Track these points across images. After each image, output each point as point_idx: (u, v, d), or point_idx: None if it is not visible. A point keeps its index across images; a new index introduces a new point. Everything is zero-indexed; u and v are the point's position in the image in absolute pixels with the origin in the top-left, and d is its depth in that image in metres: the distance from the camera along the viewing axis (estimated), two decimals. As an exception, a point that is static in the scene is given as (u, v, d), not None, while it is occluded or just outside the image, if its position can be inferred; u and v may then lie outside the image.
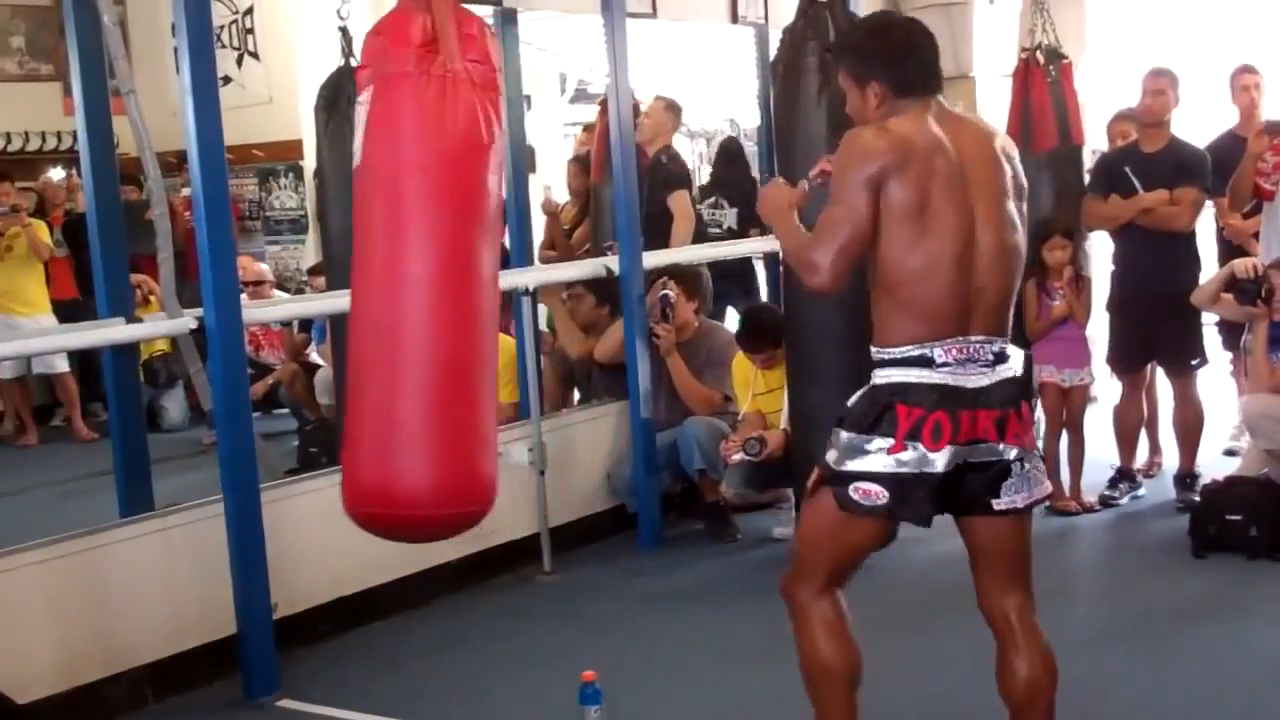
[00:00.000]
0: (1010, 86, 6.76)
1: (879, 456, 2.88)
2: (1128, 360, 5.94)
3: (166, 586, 4.26)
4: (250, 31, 9.91)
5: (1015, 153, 3.11)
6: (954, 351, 2.89)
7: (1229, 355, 6.31)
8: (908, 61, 3.01)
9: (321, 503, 4.75)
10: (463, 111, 3.03)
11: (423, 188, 3.06)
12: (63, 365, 8.02)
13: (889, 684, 4.13)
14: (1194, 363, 5.83)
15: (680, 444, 5.70)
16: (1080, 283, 5.86)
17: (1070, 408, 5.86)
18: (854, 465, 2.90)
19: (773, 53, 5.42)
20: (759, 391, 5.67)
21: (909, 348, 2.89)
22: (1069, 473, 5.88)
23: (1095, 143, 7.14)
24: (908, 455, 2.86)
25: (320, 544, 4.67)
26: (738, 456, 5.41)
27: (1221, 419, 6.39)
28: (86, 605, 4.10)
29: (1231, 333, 5.97)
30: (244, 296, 7.37)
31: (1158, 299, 5.71)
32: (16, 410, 8.27)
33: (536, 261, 6.27)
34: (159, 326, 4.48)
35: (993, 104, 7.37)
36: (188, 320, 4.22)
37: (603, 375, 6.11)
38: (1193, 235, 5.82)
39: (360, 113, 3.11)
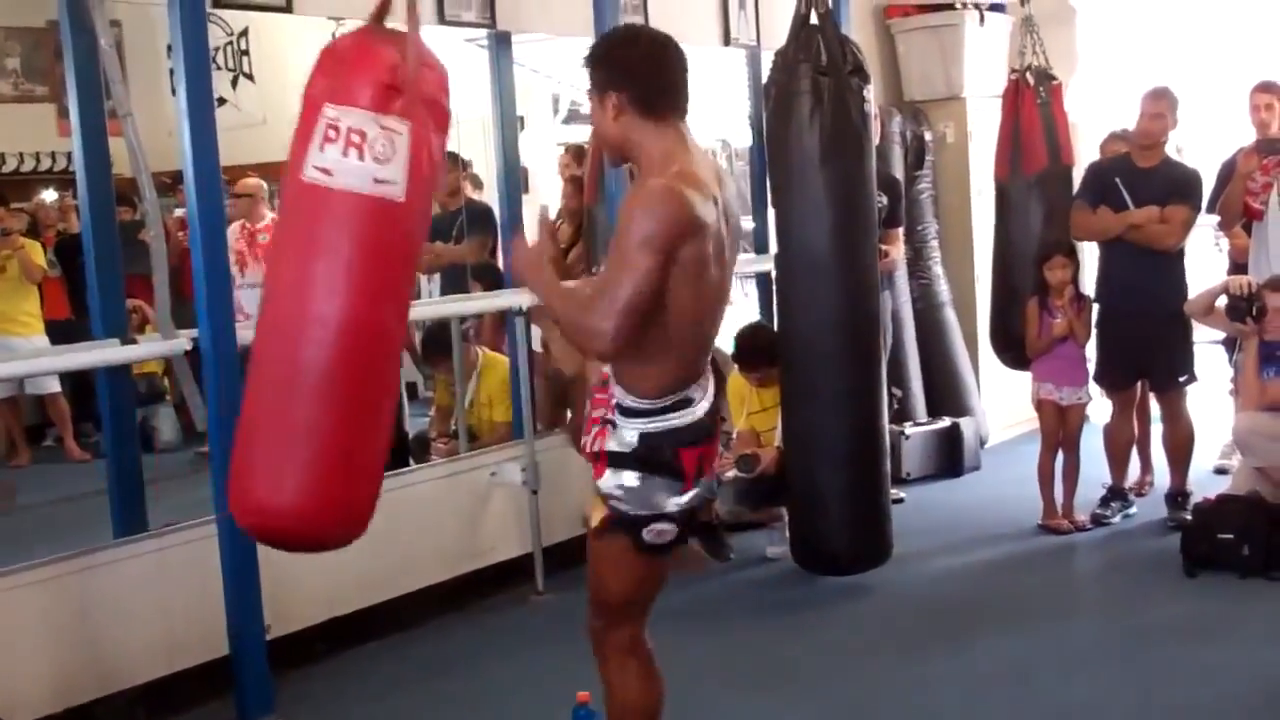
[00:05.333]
0: (1000, 107, 6.80)
1: (671, 498, 2.93)
2: (1116, 378, 5.96)
3: (160, 607, 4.26)
4: (245, 53, 9.92)
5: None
6: (699, 390, 2.95)
7: (1231, 373, 6.31)
8: (655, 76, 2.90)
9: (315, 523, 4.76)
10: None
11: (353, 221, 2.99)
12: (54, 385, 8.01)
13: (880, 703, 4.15)
14: (1182, 380, 5.85)
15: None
16: (1081, 302, 5.89)
17: (1067, 427, 5.88)
18: (646, 511, 2.93)
19: (765, 75, 5.45)
20: (753, 410, 5.68)
21: (675, 395, 2.91)
22: (1062, 491, 5.90)
23: (1085, 164, 7.17)
24: (697, 490, 2.95)
25: (314, 565, 4.63)
26: (731, 474, 5.43)
27: (1213, 437, 6.41)
28: (80, 626, 4.09)
29: (1235, 350, 5.98)
30: (235, 226, 7.45)
31: (1145, 317, 5.73)
32: (8, 430, 8.26)
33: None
34: (154, 348, 4.48)
35: (983, 125, 7.41)
36: (183, 341, 4.23)
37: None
38: (1181, 253, 5.84)
39: (320, 126, 3.03)
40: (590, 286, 2.88)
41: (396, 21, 3.05)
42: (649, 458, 2.91)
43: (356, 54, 3.04)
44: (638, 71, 2.90)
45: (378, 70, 2.98)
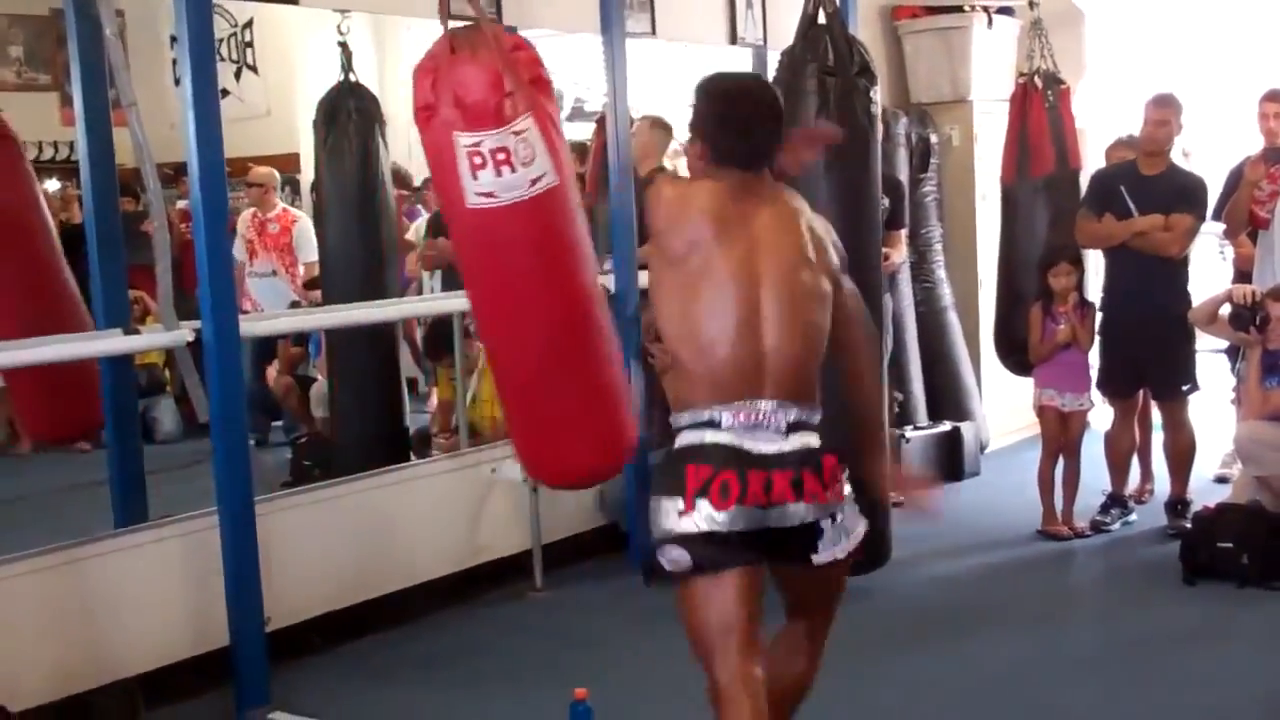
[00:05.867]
0: (1008, 111, 6.79)
1: (674, 519, 2.81)
2: (1118, 385, 5.96)
3: (160, 598, 4.26)
4: (249, 45, 9.92)
5: (829, 232, 3.04)
6: (740, 416, 2.83)
7: (1233, 382, 6.31)
8: (730, 136, 2.97)
9: (315, 516, 4.77)
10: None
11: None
12: (56, 375, 8.01)
13: (876, 706, 4.15)
14: (1184, 388, 5.84)
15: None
16: (1085, 308, 5.88)
17: (1068, 433, 5.88)
18: (659, 535, 2.85)
19: (771, 74, 5.44)
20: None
21: (698, 411, 2.86)
22: (1062, 497, 5.90)
23: (1093, 168, 7.17)
24: (698, 516, 2.79)
25: (313, 558, 4.67)
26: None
27: (1214, 445, 6.40)
28: (79, 615, 4.09)
29: (1237, 358, 5.98)
30: (246, 215, 7.46)
31: (1147, 324, 5.73)
32: (10, 418, 8.26)
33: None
34: (156, 339, 4.48)
35: (990, 129, 7.40)
36: (184, 332, 4.23)
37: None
38: (1185, 261, 5.84)
39: (461, 156, 3.32)
40: None
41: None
42: (661, 476, 2.90)
43: (459, 74, 3.26)
44: (723, 129, 2.98)
45: (486, 85, 3.21)
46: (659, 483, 2.90)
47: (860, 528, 3.03)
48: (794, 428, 2.86)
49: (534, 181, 3.33)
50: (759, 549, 2.84)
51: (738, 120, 2.99)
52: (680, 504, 2.81)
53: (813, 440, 2.88)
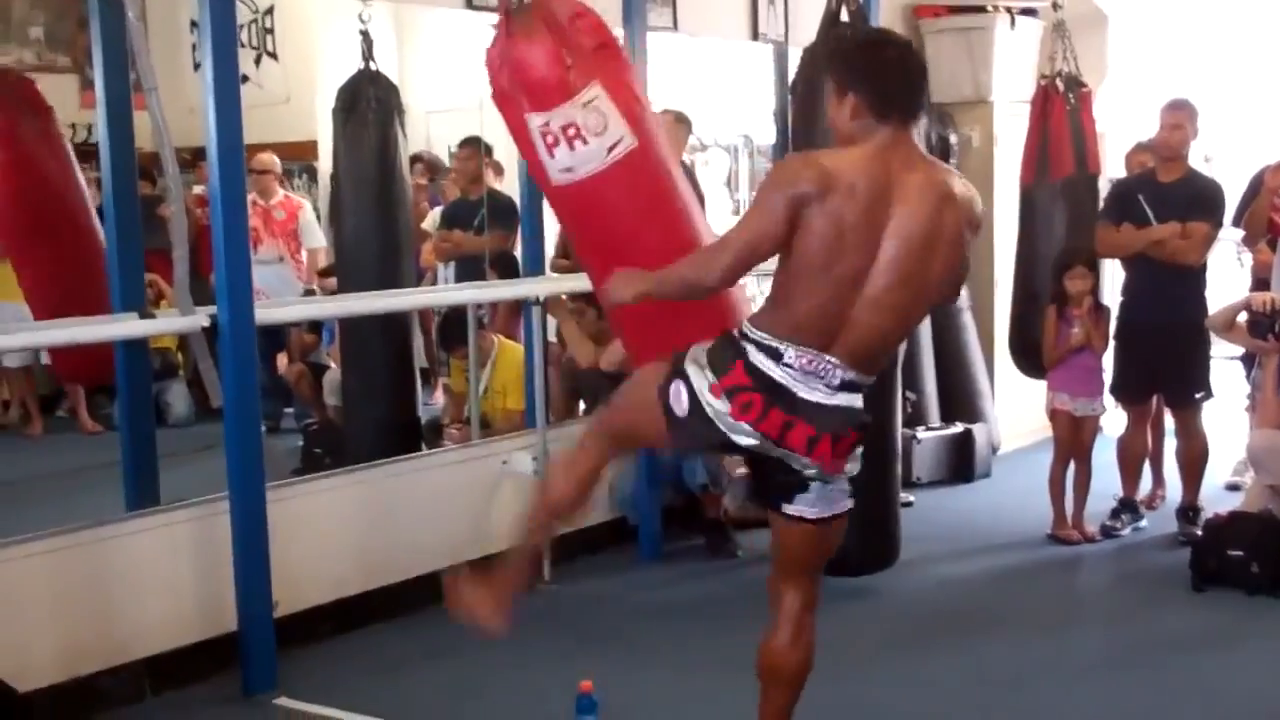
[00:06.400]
0: (1028, 113, 6.77)
1: (703, 383, 2.95)
2: (1132, 391, 5.94)
3: (169, 581, 4.28)
4: (270, 31, 9.93)
5: (971, 202, 3.04)
6: (804, 360, 2.93)
7: (1248, 390, 6.29)
8: (893, 82, 2.99)
9: (326, 503, 4.79)
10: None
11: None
12: (70, 356, 8.03)
13: (882, 705, 4.15)
14: (1198, 396, 5.82)
15: (683, 458, 5.70)
16: (1100, 312, 5.86)
17: (1081, 437, 5.86)
18: (690, 370, 2.98)
19: (792, 71, 5.43)
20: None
21: (770, 337, 2.95)
22: (1073, 502, 5.88)
23: (1113, 172, 7.14)
24: (718, 404, 2.94)
25: (323, 545, 4.68)
26: (741, 471, 5.42)
27: (1226, 453, 6.38)
28: (89, 598, 4.11)
29: (1253, 366, 5.96)
30: (251, 196, 7.48)
31: (1162, 331, 5.71)
32: (22, 399, 8.29)
33: (548, 271, 6.28)
34: (172, 323, 4.49)
35: (1010, 130, 7.38)
36: (200, 318, 4.23)
37: (610, 387, 6.11)
38: (1202, 269, 5.81)
39: (536, 138, 3.29)
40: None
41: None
42: (722, 349, 2.98)
43: (519, 56, 3.25)
44: (879, 77, 2.98)
45: (545, 62, 3.19)
46: (712, 351, 2.99)
47: (843, 504, 3.13)
48: (845, 386, 2.97)
49: (611, 149, 3.30)
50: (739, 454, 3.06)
51: (898, 65, 3.00)
52: (713, 379, 2.94)
53: (857, 402, 3.00)
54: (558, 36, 3.24)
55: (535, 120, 3.26)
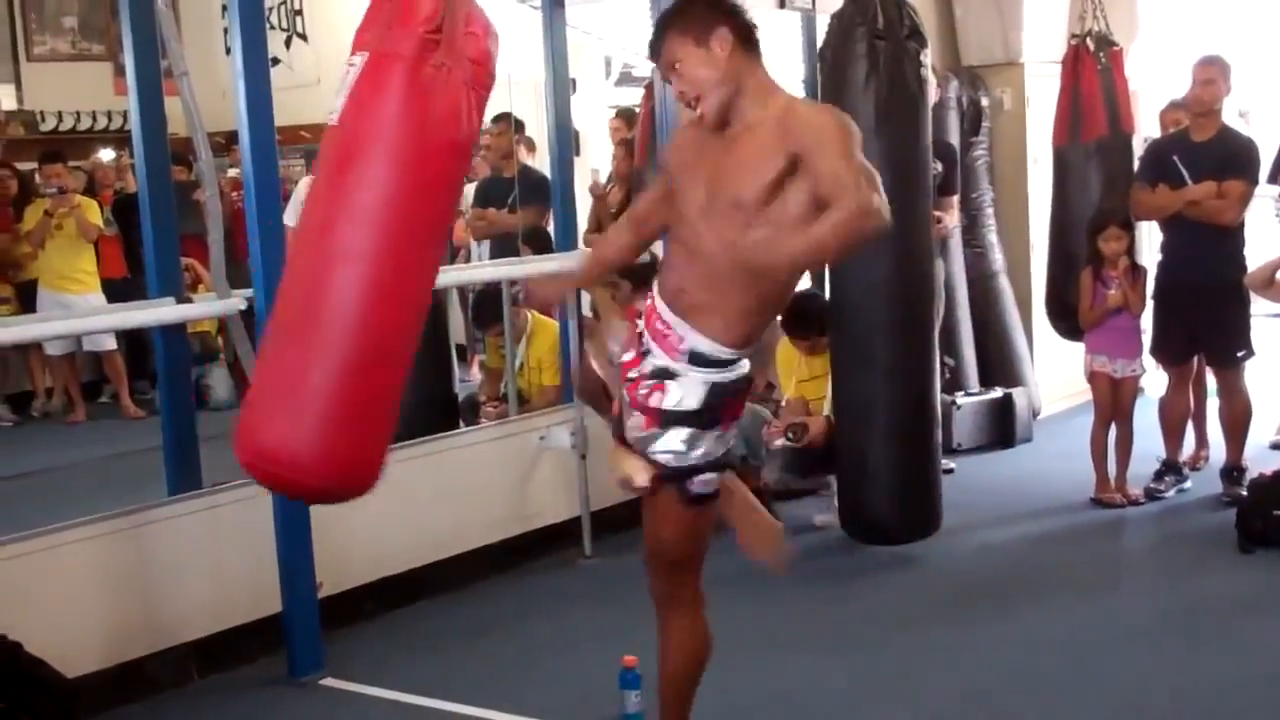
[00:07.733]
0: (1059, 73, 6.70)
1: (712, 444, 2.94)
2: (1173, 352, 5.89)
3: (213, 564, 4.31)
4: (299, 13, 9.96)
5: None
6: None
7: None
8: (744, 12, 2.88)
9: (366, 484, 4.80)
10: (446, 110, 2.93)
11: (388, 165, 2.92)
12: (111, 343, 8.11)
13: (925, 672, 4.14)
14: (1240, 355, 5.77)
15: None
16: (1136, 273, 5.81)
17: (1120, 399, 5.82)
18: (695, 459, 2.93)
19: (819, 39, 5.39)
20: (803, 378, 5.66)
21: (749, 349, 2.95)
22: (1115, 464, 5.85)
23: (1147, 131, 7.08)
24: (730, 434, 2.99)
25: (365, 524, 4.70)
26: (780, 442, 5.41)
27: (1270, 412, 6.32)
28: (134, 582, 4.14)
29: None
30: (307, 180, 7.46)
31: (1202, 291, 5.66)
32: (65, 387, 8.37)
33: (581, 245, 6.28)
34: (209, 307, 4.51)
35: (1041, 91, 7.31)
36: (237, 301, 4.25)
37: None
38: (1240, 227, 5.75)
39: (349, 74, 3.05)
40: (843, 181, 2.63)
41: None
42: (706, 413, 2.90)
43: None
44: (736, 7, 2.86)
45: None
46: (704, 419, 2.91)
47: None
48: None
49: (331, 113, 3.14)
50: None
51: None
52: (719, 430, 2.95)
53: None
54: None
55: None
